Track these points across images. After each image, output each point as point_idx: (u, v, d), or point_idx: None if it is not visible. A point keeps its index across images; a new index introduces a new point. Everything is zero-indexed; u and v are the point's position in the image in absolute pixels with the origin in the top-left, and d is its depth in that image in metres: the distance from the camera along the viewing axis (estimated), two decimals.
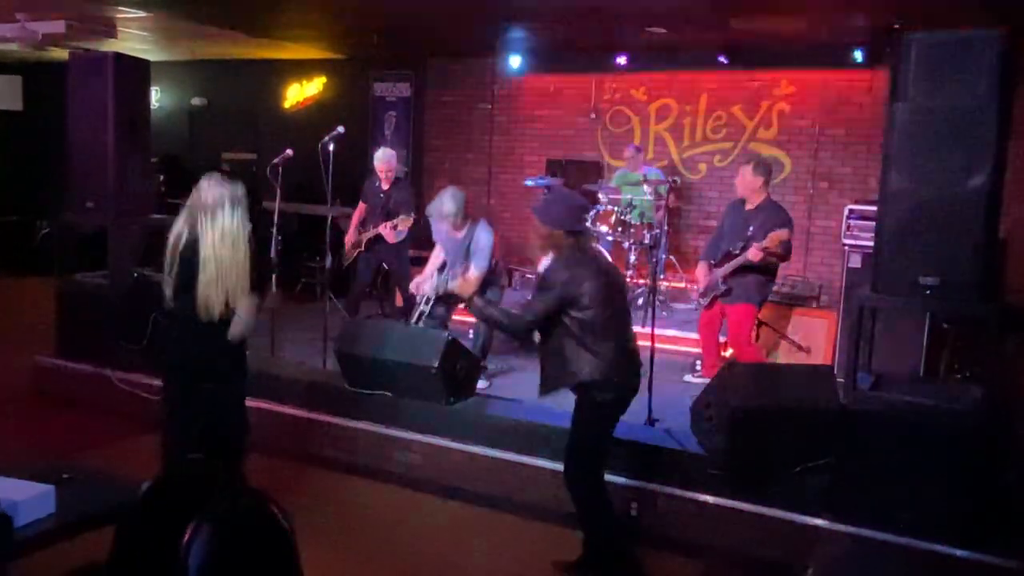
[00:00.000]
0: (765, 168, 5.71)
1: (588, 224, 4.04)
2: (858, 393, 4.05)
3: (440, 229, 5.72)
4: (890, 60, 7.24)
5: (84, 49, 7.81)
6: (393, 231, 6.79)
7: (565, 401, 5.19)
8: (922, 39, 3.84)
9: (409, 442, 5.02)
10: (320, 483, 4.94)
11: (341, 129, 5.90)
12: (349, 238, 7.09)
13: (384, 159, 6.90)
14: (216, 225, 3.64)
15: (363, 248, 6.98)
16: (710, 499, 4.27)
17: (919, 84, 3.85)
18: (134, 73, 6.00)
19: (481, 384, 5.52)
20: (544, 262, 3.90)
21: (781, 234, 5.20)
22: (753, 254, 5.31)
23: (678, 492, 4.37)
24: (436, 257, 5.97)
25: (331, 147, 5.80)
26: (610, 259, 5.75)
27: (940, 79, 3.82)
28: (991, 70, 3.69)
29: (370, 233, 6.87)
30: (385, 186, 6.92)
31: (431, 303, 5.69)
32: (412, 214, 6.74)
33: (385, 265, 7.24)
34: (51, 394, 6.12)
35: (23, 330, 7.60)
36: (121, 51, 6.12)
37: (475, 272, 5.32)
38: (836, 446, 4.03)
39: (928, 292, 3.85)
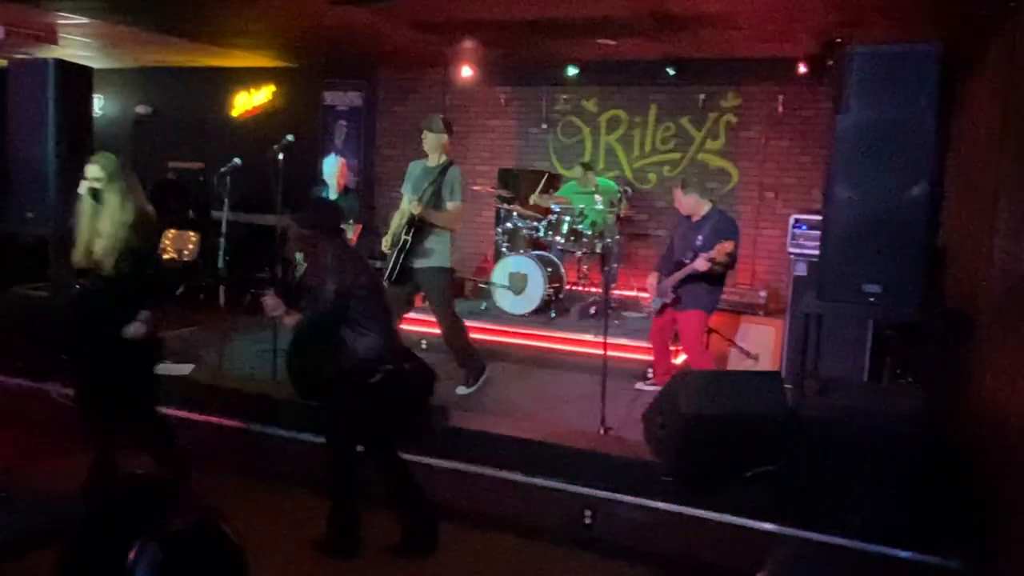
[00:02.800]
0: (694, 184, 5.84)
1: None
2: (806, 399, 4.14)
3: None
4: (832, 73, 7.43)
5: (24, 56, 7.60)
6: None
7: (524, 409, 5.24)
8: (863, 53, 3.95)
9: (361, 455, 4.96)
10: (271, 499, 4.85)
11: (290, 138, 5.84)
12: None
13: (332, 168, 6.82)
14: None
15: None
16: (663, 506, 4.31)
17: (861, 97, 3.96)
18: (76, 80, 5.86)
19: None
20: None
21: (727, 246, 5.30)
22: (700, 264, 5.40)
23: (631, 499, 4.39)
24: None
25: (280, 156, 5.73)
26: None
27: (881, 92, 3.94)
28: (929, 83, 3.81)
29: None
30: (334, 196, 6.85)
31: None
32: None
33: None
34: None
35: None
36: (63, 58, 5.98)
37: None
38: (785, 451, 4.10)
39: (871, 299, 3.95)
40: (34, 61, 6.18)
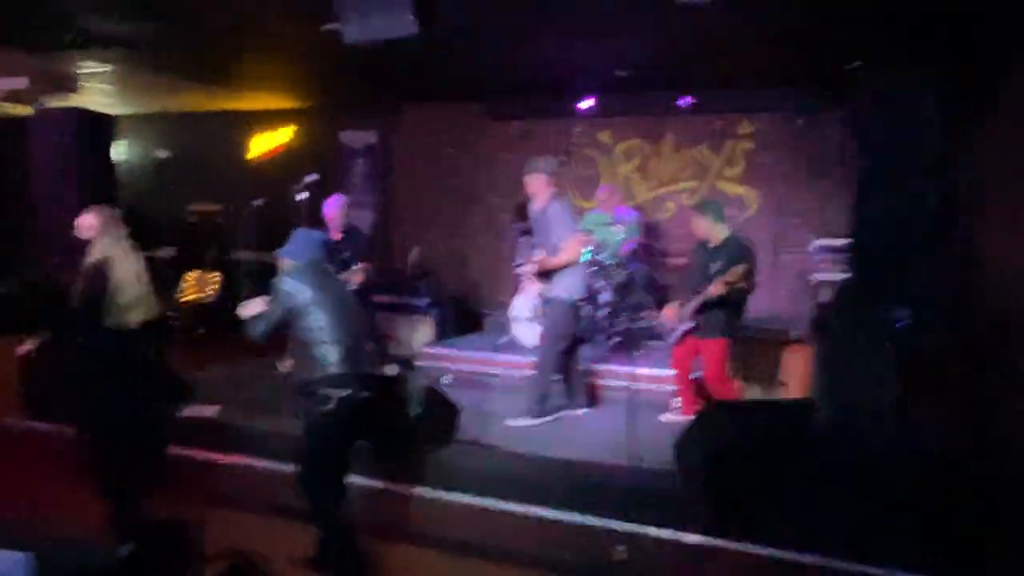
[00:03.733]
0: (711, 209, 5.81)
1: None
2: (842, 426, 4.07)
3: None
4: (846, 99, 7.43)
5: (43, 105, 7.72)
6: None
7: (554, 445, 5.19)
8: (877, 79, 3.94)
9: (385, 492, 4.93)
10: (305, 539, 4.80)
11: (315, 176, 5.88)
12: None
13: (335, 209, 6.65)
14: None
15: None
16: (699, 539, 4.23)
17: (878, 120, 3.94)
18: (98, 128, 5.96)
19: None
20: None
21: (739, 269, 5.27)
22: (715, 288, 5.36)
23: (666, 534, 4.32)
24: None
25: (305, 195, 5.77)
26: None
27: (899, 115, 3.92)
28: (949, 104, 3.79)
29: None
30: (338, 235, 6.64)
31: None
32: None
33: None
34: (17, 457, 5.91)
35: None
36: (83, 105, 6.09)
37: None
38: (822, 481, 4.02)
39: (902, 323, 3.90)
40: (57, 111, 6.28)
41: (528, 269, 5.52)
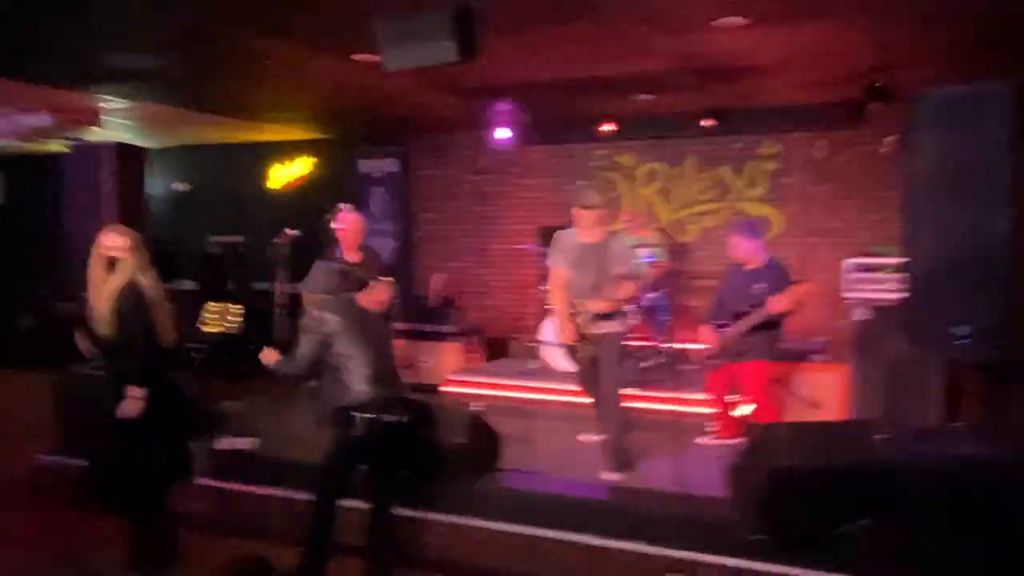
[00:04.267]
0: (752, 229, 5.77)
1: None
2: (899, 448, 4.01)
3: None
4: (880, 116, 7.43)
5: (73, 139, 7.74)
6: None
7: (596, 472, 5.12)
8: (934, 94, 3.93)
9: (430, 522, 4.86)
10: (339, 570, 4.73)
11: (344, 205, 5.87)
12: None
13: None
14: None
15: None
16: (754, 565, 4.14)
17: (934, 138, 3.93)
18: (133, 161, 5.97)
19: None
20: None
21: (807, 287, 5.22)
22: (775, 306, 5.30)
23: (716, 560, 4.24)
24: None
25: (334, 224, 5.75)
26: None
27: (954, 132, 3.91)
28: (1004, 121, 3.78)
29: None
30: (354, 258, 6.40)
31: None
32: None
33: None
34: (52, 493, 5.86)
35: (13, 427, 7.33)
36: (103, 140, 6.11)
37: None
38: (881, 504, 3.95)
39: (961, 341, 3.85)
40: (93, 144, 6.30)
41: (596, 307, 5.21)
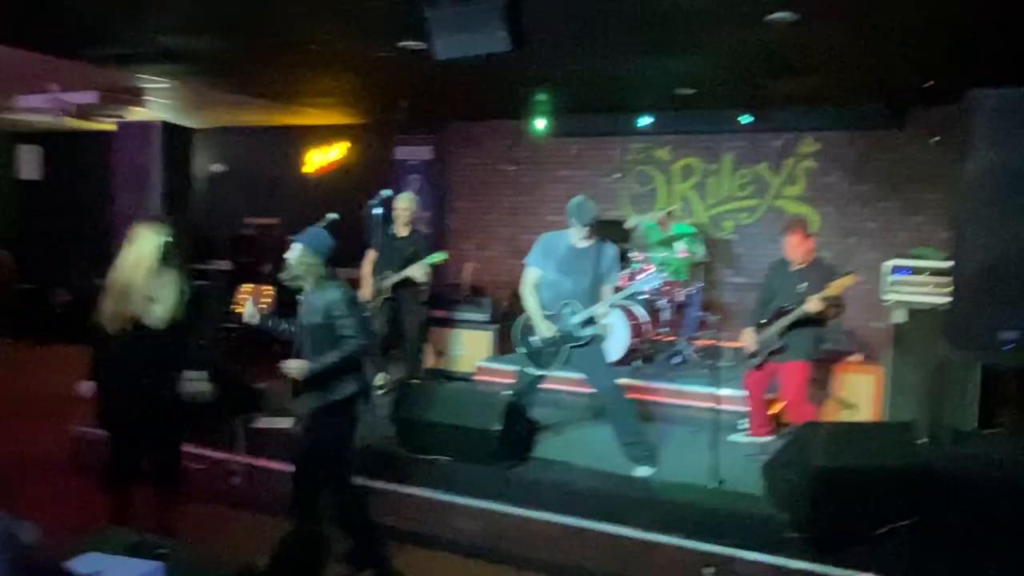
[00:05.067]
0: (807, 227, 5.74)
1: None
2: (941, 450, 3.99)
3: None
4: (924, 117, 7.38)
5: (115, 117, 7.86)
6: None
7: (626, 463, 5.14)
8: (990, 95, 3.90)
9: (469, 509, 4.91)
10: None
11: (388, 192, 5.91)
12: (366, 287, 6.93)
13: (407, 203, 6.82)
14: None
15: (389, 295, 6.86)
16: (791, 563, 4.15)
17: (988, 140, 3.89)
18: (179, 141, 6.04)
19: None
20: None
21: (846, 280, 5.18)
22: (813, 305, 5.27)
23: (755, 556, 4.25)
24: None
25: (379, 210, 5.79)
26: None
27: (1008, 134, 3.86)
28: None
29: (397, 276, 6.74)
30: (404, 232, 6.82)
31: None
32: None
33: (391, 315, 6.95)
34: (91, 466, 5.97)
35: (53, 400, 7.46)
36: (146, 120, 6.18)
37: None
38: (921, 506, 3.94)
39: (1009, 346, 3.83)
40: (140, 123, 6.38)
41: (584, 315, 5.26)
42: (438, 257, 6.54)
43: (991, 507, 3.83)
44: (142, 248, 4.48)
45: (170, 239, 4.56)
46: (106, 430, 4.69)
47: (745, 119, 8.31)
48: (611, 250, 5.30)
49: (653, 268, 7.59)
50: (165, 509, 4.62)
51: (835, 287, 5.19)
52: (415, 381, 5.97)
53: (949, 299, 4.16)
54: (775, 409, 6.56)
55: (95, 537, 2.83)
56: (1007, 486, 3.83)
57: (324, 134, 10.76)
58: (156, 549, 2.77)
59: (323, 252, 4.16)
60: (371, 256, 7.00)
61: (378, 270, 6.91)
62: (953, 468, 3.94)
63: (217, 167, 11.63)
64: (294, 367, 4.08)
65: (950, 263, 4.16)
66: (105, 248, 6.19)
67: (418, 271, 6.63)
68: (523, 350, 5.42)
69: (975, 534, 3.84)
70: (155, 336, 4.47)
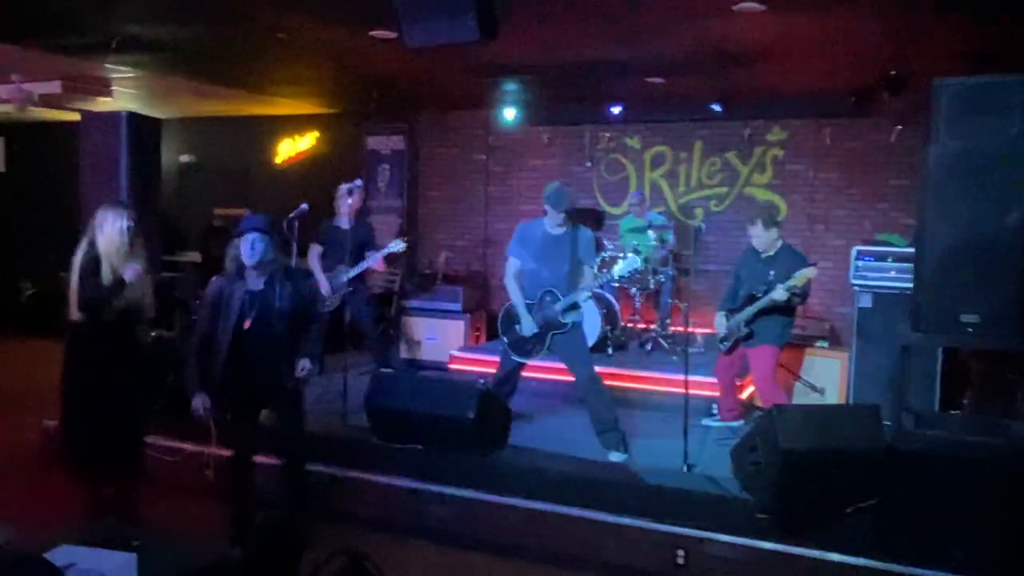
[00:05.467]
0: (771, 219, 5.81)
1: None
2: (905, 432, 4.09)
3: None
4: (889, 106, 7.48)
5: (82, 109, 7.75)
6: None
7: (599, 449, 5.20)
8: (953, 85, 3.97)
9: (444, 496, 4.94)
10: (350, 543, 4.80)
11: (359, 182, 5.91)
12: (322, 281, 6.96)
13: (349, 194, 6.79)
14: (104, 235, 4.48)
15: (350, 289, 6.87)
16: (759, 544, 4.23)
17: (951, 128, 3.97)
18: (146, 131, 5.97)
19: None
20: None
21: (808, 272, 5.28)
22: (779, 294, 5.36)
23: (725, 538, 4.33)
24: None
25: (350, 201, 5.79)
26: None
27: (971, 123, 3.95)
28: (1021, 113, 3.82)
29: (356, 270, 6.77)
30: (348, 224, 6.82)
31: None
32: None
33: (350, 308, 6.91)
34: (62, 459, 5.91)
35: (21, 393, 7.39)
36: (112, 110, 6.10)
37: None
38: (885, 487, 4.04)
39: (970, 329, 3.92)
40: (107, 114, 6.29)
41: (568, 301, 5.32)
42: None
43: (953, 486, 3.92)
44: (109, 233, 4.48)
45: (134, 223, 4.57)
46: (70, 422, 4.66)
47: (714, 108, 8.37)
48: (586, 234, 5.37)
49: (632, 255, 7.65)
50: (138, 501, 4.61)
51: (799, 279, 5.28)
52: (386, 370, 5.97)
53: (912, 284, 4.24)
54: (745, 394, 6.68)
55: (68, 530, 2.83)
56: (969, 465, 3.92)
57: (294, 124, 10.68)
58: (129, 540, 2.77)
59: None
60: (316, 250, 7.04)
61: (327, 265, 6.94)
62: (916, 449, 4.02)
63: (186, 158, 11.51)
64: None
65: (912, 249, 4.24)
66: (71, 241, 6.14)
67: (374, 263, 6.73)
68: (506, 339, 5.47)
69: (938, 513, 3.94)
70: (122, 325, 4.47)
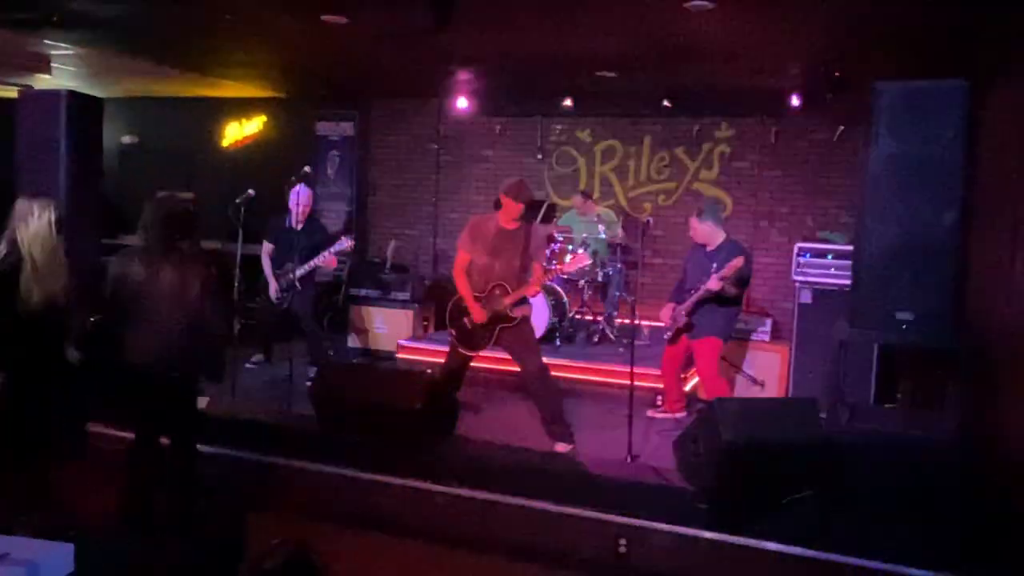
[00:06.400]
0: (711, 211, 5.92)
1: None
2: (839, 425, 4.21)
3: None
4: (833, 106, 7.65)
5: (22, 85, 7.51)
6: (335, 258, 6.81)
7: (546, 440, 5.25)
8: (892, 88, 4.09)
9: (389, 486, 4.93)
10: (294, 532, 4.77)
11: (308, 169, 5.85)
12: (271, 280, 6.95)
13: (300, 198, 6.74)
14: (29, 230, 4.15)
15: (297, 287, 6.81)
16: (699, 533, 4.32)
17: (890, 130, 4.10)
18: (87, 111, 5.82)
19: None
20: None
21: (736, 262, 5.39)
22: (712, 283, 5.47)
23: (667, 527, 4.41)
24: None
25: (300, 206, 5.71)
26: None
27: (909, 125, 4.07)
28: (957, 117, 3.96)
29: (306, 268, 6.71)
30: (299, 225, 6.75)
31: None
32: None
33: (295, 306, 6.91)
34: None
35: None
36: (50, 88, 5.93)
37: None
38: (822, 476, 4.16)
39: (904, 326, 4.06)
40: (45, 92, 6.11)
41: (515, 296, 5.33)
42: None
43: (887, 477, 4.07)
44: (36, 228, 4.20)
45: (61, 214, 4.33)
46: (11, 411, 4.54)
47: (664, 104, 8.46)
48: (539, 231, 5.40)
49: (582, 252, 7.72)
50: (77, 490, 4.51)
51: (728, 267, 5.39)
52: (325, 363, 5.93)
53: (850, 281, 4.37)
54: (689, 386, 6.80)
55: (2, 519, 2.76)
56: (902, 456, 4.07)
57: (242, 107, 10.50)
58: (66, 531, 2.73)
59: None
60: (266, 248, 6.99)
61: (277, 263, 6.89)
62: (852, 441, 4.16)
63: (129, 139, 11.23)
64: None
65: (852, 247, 4.37)
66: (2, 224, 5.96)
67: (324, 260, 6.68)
68: (454, 331, 5.48)
69: (873, 502, 4.07)
70: (54, 313, 4.32)
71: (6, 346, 4.25)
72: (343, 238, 6.75)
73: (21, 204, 4.27)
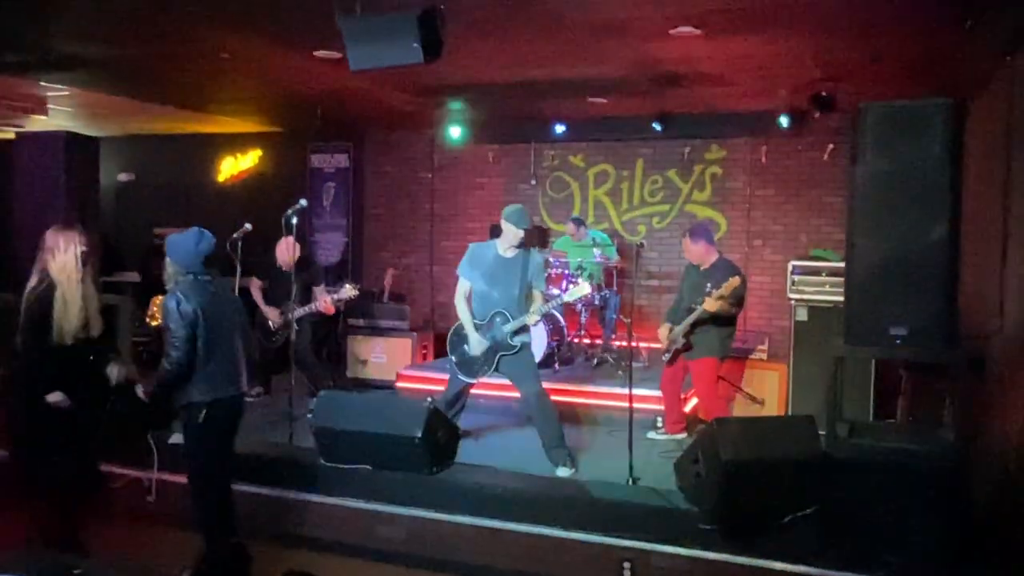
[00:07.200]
0: (702, 232, 5.98)
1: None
2: (839, 441, 4.23)
3: None
4: (822, 124, 7.74)
5: (16, 128, 7.59)
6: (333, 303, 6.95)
7: (547, 465, 5.26)
8: (878, 108, 4.16)
9: (392, 516, 4.93)
10: (300, 565, 4.77)
11: (303, 203, 5.89)
12: (275, 315, 7.02)
13: (283, 249, 6.86)
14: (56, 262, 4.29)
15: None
16: (703, 554, 4.33)
17: (877, 149, 4.16)
18: (85, 151, 5.89)
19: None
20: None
21: (733, 281, 5.43)
22: (709, 304, 5.51)
23: (671, 549, 4.42)
24: None
25: (295, 220, 5.76)
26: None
27: (896, 144, 4.14)
28: (943, 135, 4.02)
29: (303, 311, 6.80)
30: (287, 268, 6.72)
31: None
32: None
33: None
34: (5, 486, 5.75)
35: None
36: (48, 129, 6.00)
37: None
38: (822, 494, 4.17)
39: (898, 341, 4.09)
40: (43, 134, 6.18)
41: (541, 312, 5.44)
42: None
43: (887, 493, 4.08)
44: (63, 260, 4.32)
45: (87, 247, 4.45)
46: (19, 448, 4.55)
47: (655, 127, 8.55)
48: (537, 258, 5.47)
49: (583, 281, 7.75)
50: (81, 528, 4.51)
51: (725, 288, 5.43)
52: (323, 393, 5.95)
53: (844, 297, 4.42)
54: (689, 406, 6.81)
55: (10, 558, 2.77)
56: (901, 472, 4.08)
57: (237, 142, 10.59)
58: (71, 569, 2.73)
59: (177, 259, 4.33)
60: (256, 283, 7.10)
61: (274, 300, 7.01)
62: (851, 458, 4.18)
63: (125, 176, 11.31)
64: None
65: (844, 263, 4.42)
66: (5, 262, 6.00)
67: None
68: (454, 358, 5.51)
69: (873, 519, 4.08)
70: (73, 349, 4.36)
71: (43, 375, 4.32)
72: (346, 285, 6.80)
73: (50, 236, 4.38)
